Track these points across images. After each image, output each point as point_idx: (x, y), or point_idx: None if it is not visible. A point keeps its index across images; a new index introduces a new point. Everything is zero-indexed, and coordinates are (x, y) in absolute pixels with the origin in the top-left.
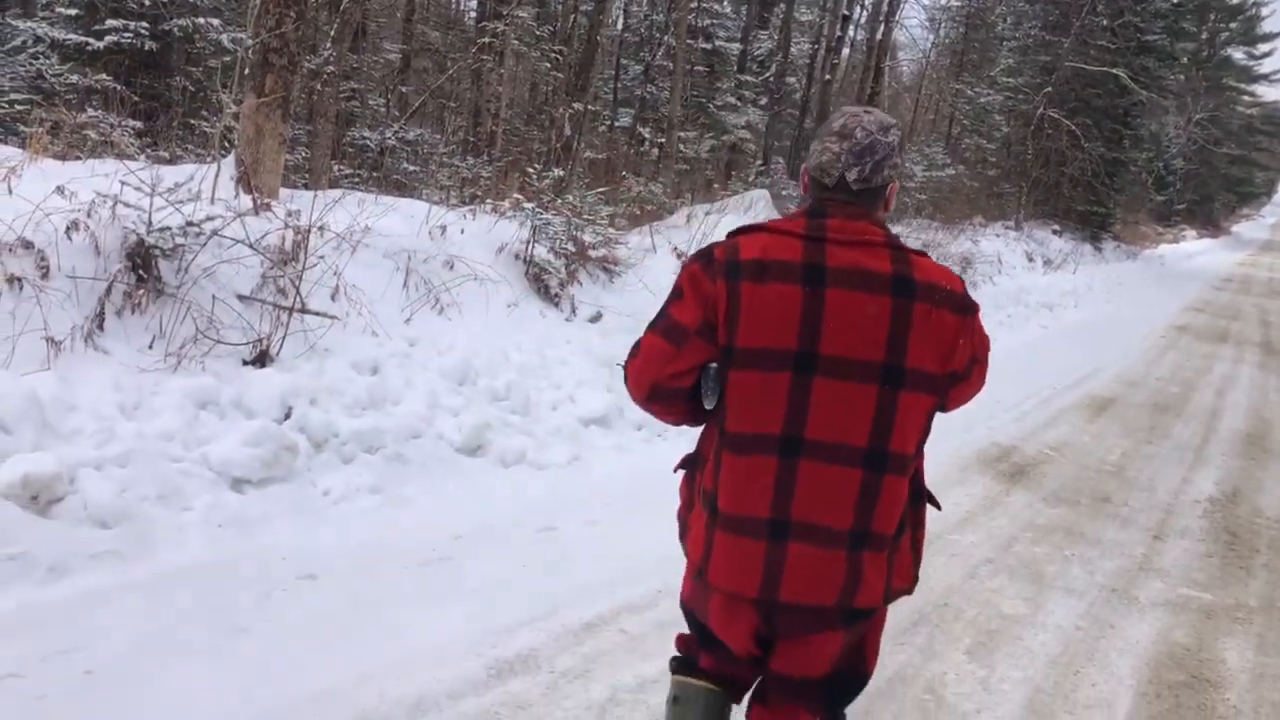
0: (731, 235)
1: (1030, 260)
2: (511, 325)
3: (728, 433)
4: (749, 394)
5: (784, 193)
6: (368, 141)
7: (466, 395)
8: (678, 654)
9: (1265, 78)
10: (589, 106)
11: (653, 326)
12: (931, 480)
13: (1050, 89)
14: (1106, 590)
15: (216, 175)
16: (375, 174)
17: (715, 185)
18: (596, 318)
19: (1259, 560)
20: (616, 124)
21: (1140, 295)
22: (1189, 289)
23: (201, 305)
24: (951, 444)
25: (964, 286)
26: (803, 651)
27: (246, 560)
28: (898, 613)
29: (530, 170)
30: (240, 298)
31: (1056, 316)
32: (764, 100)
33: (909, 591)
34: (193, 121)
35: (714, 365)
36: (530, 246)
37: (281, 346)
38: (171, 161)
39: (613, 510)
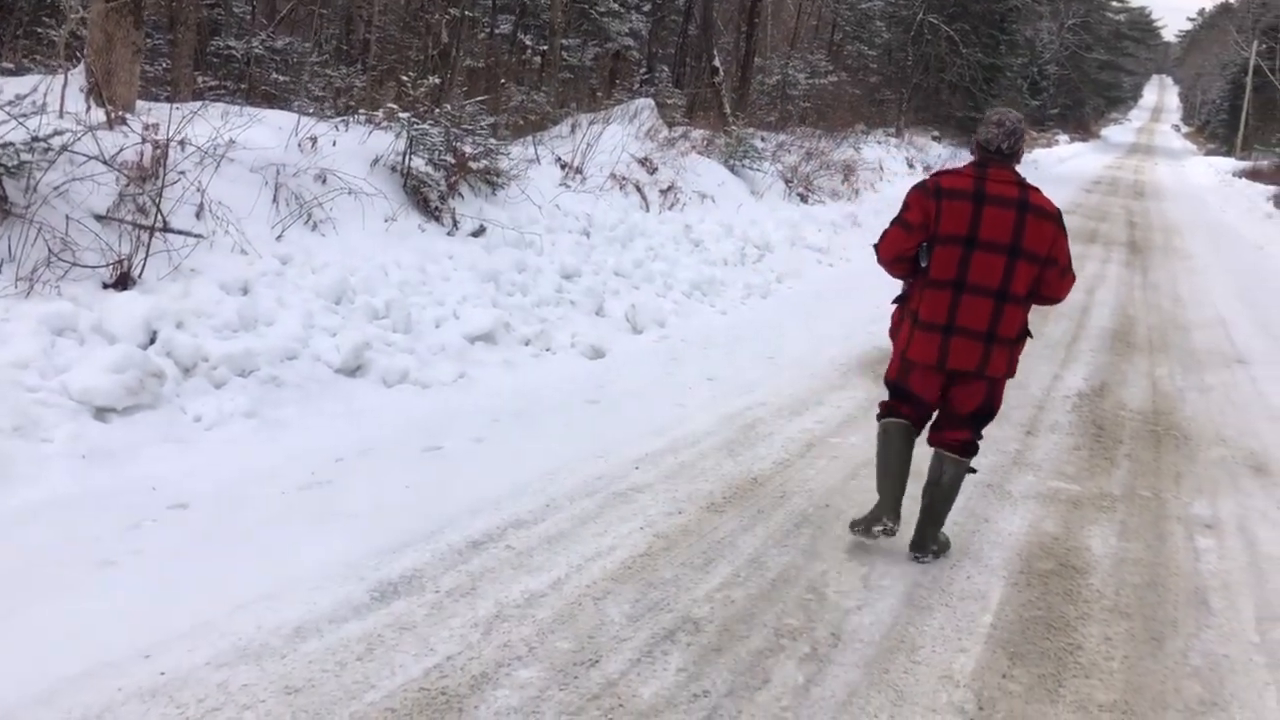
0: (934, 175)
1: (911, 167)
2: (390, 241)
3: (930, 278)
4: (942, 258)
5: (669, 101)
6: (233, 51)
7: (344, 314)
8: (882, 413)
9: None
10: (467, 13)
11: (895, 223)
12: (812, 387)
13: None
14: (982, 486)
15: (64, 87)
16: (242, 85)
17: (599, 94)
18: (480, 231)
19: (1122, 451)
20: (497, 31)
21: None
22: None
23: (54, 226)
24: (834, 349)
25: (1057, 209)
26: (965, 395)
27: (113, 492)
28: (780, 515)
29: (405, 79)
30: (97, 217)
31: None
32: (647, 6)
33: (1012, 375)
34: (38, 29)
35: (925, 243)
36: (407, 158)
37: (144, 268)
38: (15, 72)
39: (500, 427)
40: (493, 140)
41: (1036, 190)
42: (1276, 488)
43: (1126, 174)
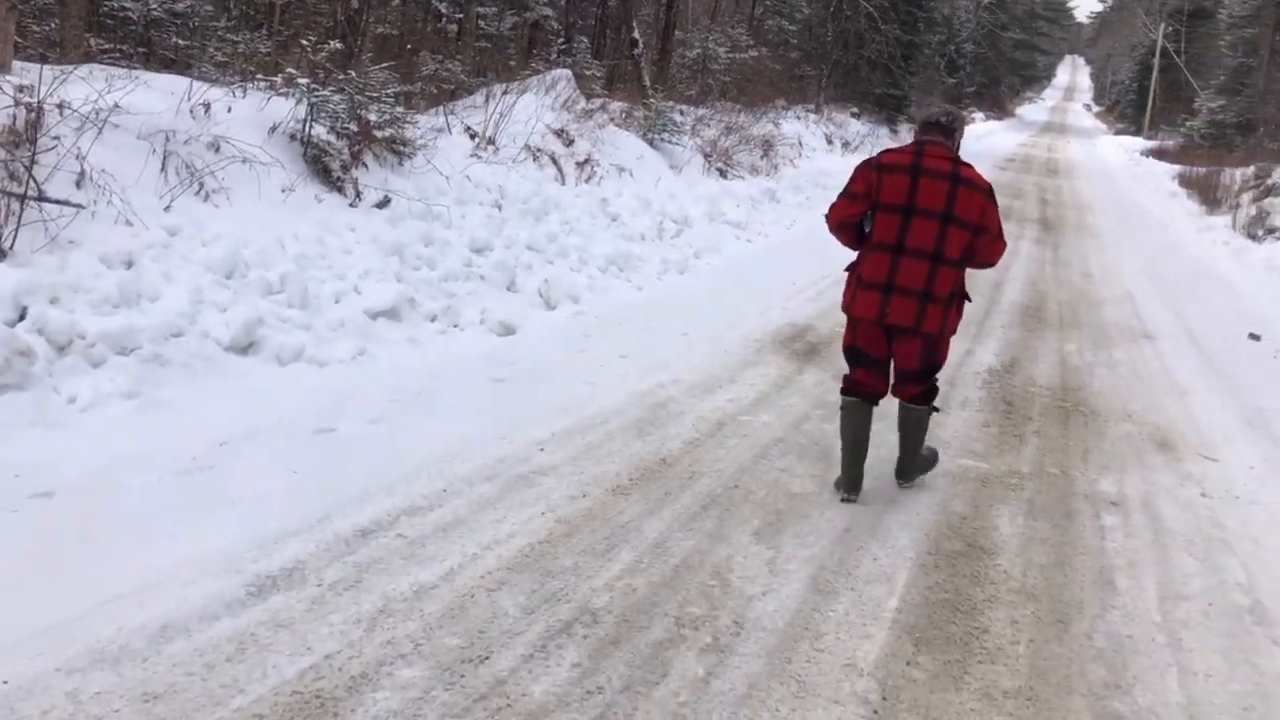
0: (878, 154)
1: (830, 143)
2: (288, 212)
3: (872, 242)
4: (883, 224)
5: (587, 73)
6: (129, 12)
7: (235, 289)
8: (843, 388)
9: None
10: None
11: (843, 195)
12: (726, 364)
13: None
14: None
15: None
16: (141, 49)
17: (515, 64)
18: (384, 203)
19: (1031, 428)
20: None
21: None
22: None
23: None
24: (749, 326)
25: (987, 183)
26: (904, 352)
27: None
28: (688, 498)
29: (305, 42)
30: None
31: None
32: None
33: (951, 332)
34: None
35: (869, 211)
36: (307, 126)
37: (15, 239)
38: None
39: (400, 407)
40: (399, 108)
41: (969, 166)
42: (1180, 463)
43: (1040, 152)
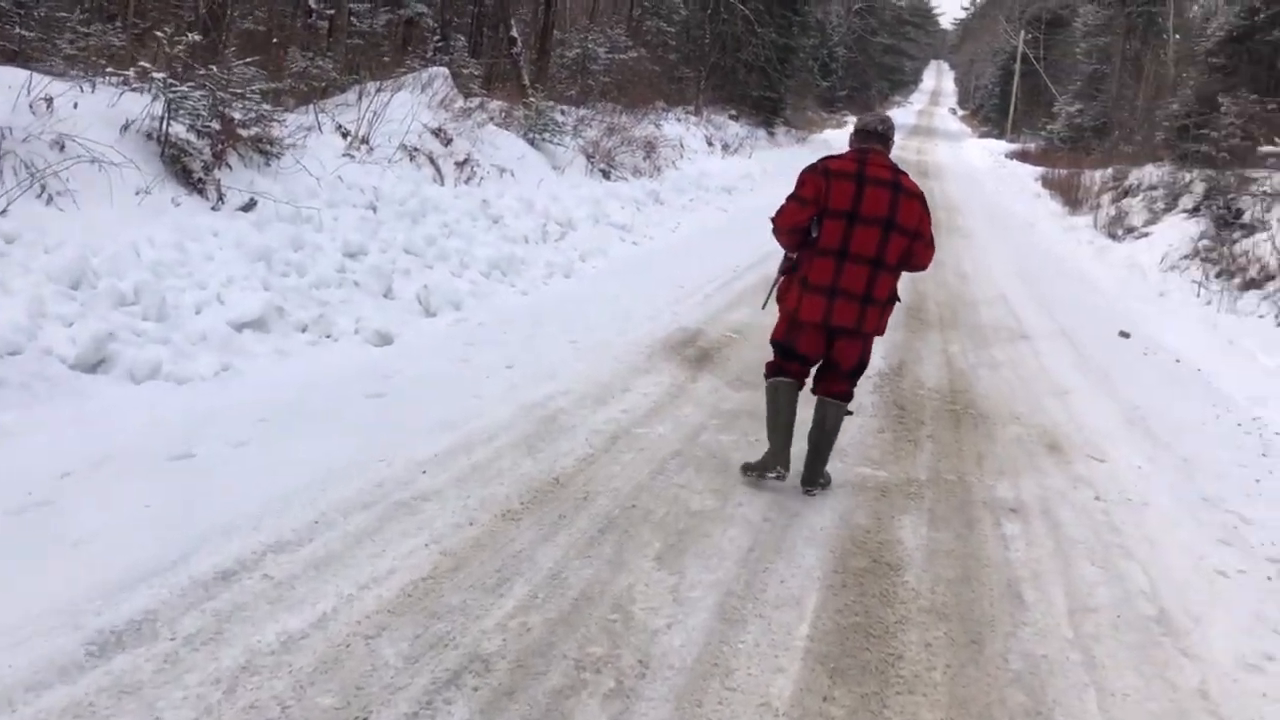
0: (822, 160)
1: (710, 145)
2: (143, 216)
3: (818, 247)
4: (829, 230)
5: (465, 71)
6: None
7: (83, 300)
8: (769, 372)
9: None
10: None
11: (791, 198)
12: (617, 371)
13: None
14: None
15: None
16: None
17: (389, 61)
18: (250, 205)
19: (925, 432)
20: None
21: None
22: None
23: None
24: (639, 331)
25: (920, 191)
26: (844, 350)
27: None
28: (584, 520)
29: (161, 34)
30: None
31: (735, 200)
32: None
33: (881, 333)
34: None
35: (816, 217)
36: (165, 124)
37: None
38: None
39: (267, 427)
40: (266, 106)
41: (905, 174)
42: (1071, 465)
43: (910, 154)
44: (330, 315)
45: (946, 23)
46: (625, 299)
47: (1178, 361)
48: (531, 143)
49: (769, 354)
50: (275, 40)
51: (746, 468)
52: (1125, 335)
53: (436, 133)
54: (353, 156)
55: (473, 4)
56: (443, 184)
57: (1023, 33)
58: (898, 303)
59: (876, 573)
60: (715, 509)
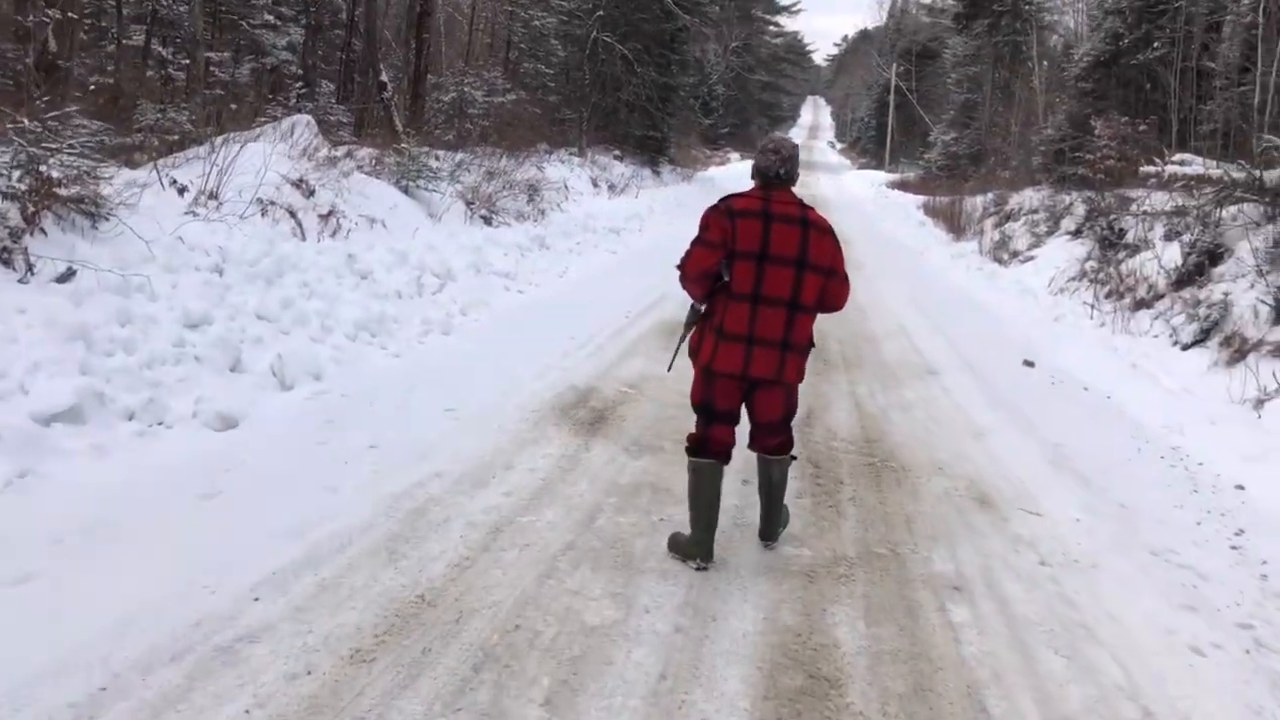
0: (724, 199)
1: (596, 186)
2: None
3: (732, 291)
4: (740, 273)
5: (332, 118)
6: None
7: None
8: (691, 448)
9: (787, 9)
10: (74, 15)
11: (697, 242)
12: (499, 445)
13: (602, 13)
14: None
15: None
16: None
17: (249, 110)
18: (66, 275)
19: (845, 494)
20: (127, 42)
21: (697, 215)
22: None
23: None
24: (524, 394)
25: (830, 225)
26: (766, 404)
27: None
28: (454, 655)
29: None
30: None
31: (624, 241)
32: (304, 20)
33: (801, 380)
34: None
35: (725, 259)
36: None
37: None
38: None
39: (64, 553)
40: (87, 161)
41: (812, 209)
42: (1006, 522)
43: (794, 187)
44: (163, 398)
45: (820, 59)
46: (510, 356)
47: (1086, 390)
48: (405, 190)
49: (667, 410)
50: (120, 97)
51: (673, 544)
52: (1030, 364)
53: (297, 184)
54: (197, 214)
55: (340, 50)
56: (304, 239)
57: (895, 65)
58: (814, 347)
59: (814, 692)
60: (617, 621)
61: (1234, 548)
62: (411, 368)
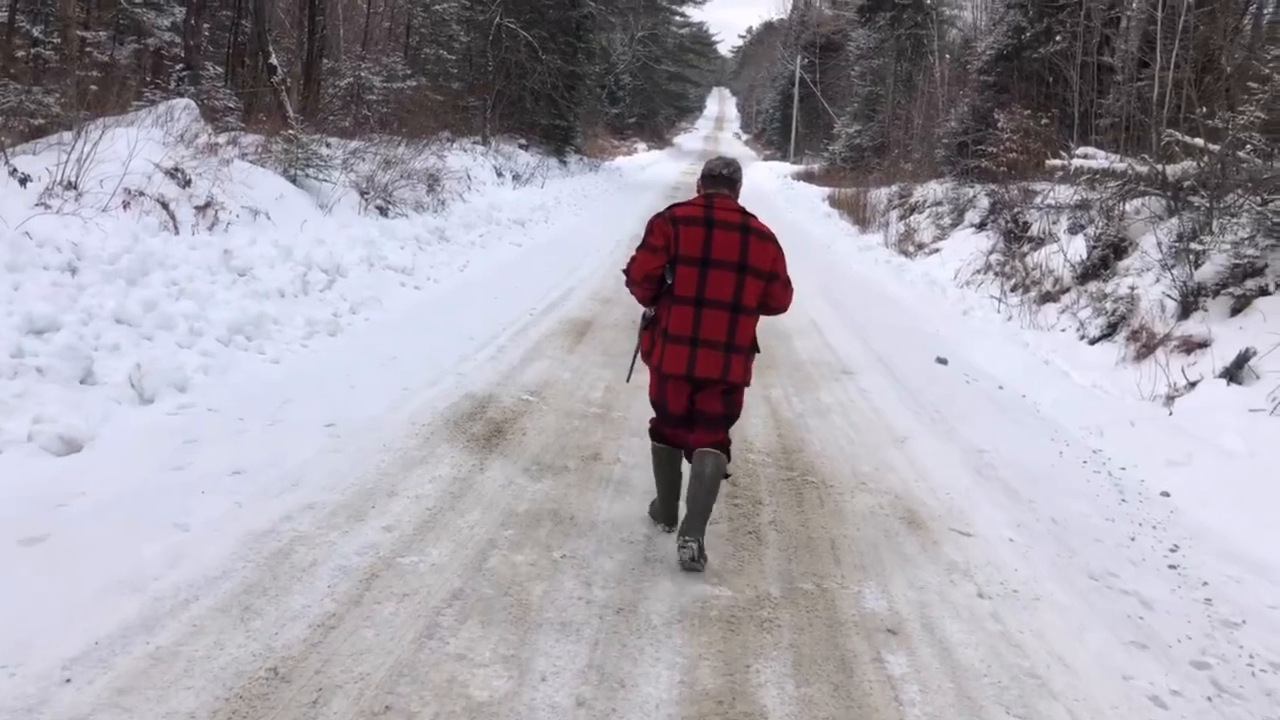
0: (669, 208)
1: (500, 175)
2: None
3: (675, 295)
4: (683, 277)
5: (218, 103)
6: None
7: None
8: (651, 434)
9: (692, 0)
10: None
11: (641, 248)
12: (383, 466)
13: None
14: (610, 611)
15: None
16: None
17: (125, 94)
18: None
19: (765, 516)
20: None
21: (605, 206)
22: (646, 198)
23: None
24: (416, 403)
25: (772, 232)
26: (708, 401)
27: None
28: None
29: None
30: None
31: (529, 233)
32: None
33: (748, 383)
34: None
35: (669, 264)
36: None
37: None
38: None
39: None
40: None
41: (754, 217)
42: (938, 546)
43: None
44: None
45: (726, 50)
46: (402, 360)
47: (1001, 388)
48: (293, 180)
49: (572, 421)
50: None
51: (651, 510)
52: (943, 361)
53: (172, 173)
54: (49, 206)
55: (229, 31)
56: (177, 233)
57: (799, 58)
58: (757, 353)
59: None
60: (508, 695)
61: (1172, 566)
62: (291, 376)
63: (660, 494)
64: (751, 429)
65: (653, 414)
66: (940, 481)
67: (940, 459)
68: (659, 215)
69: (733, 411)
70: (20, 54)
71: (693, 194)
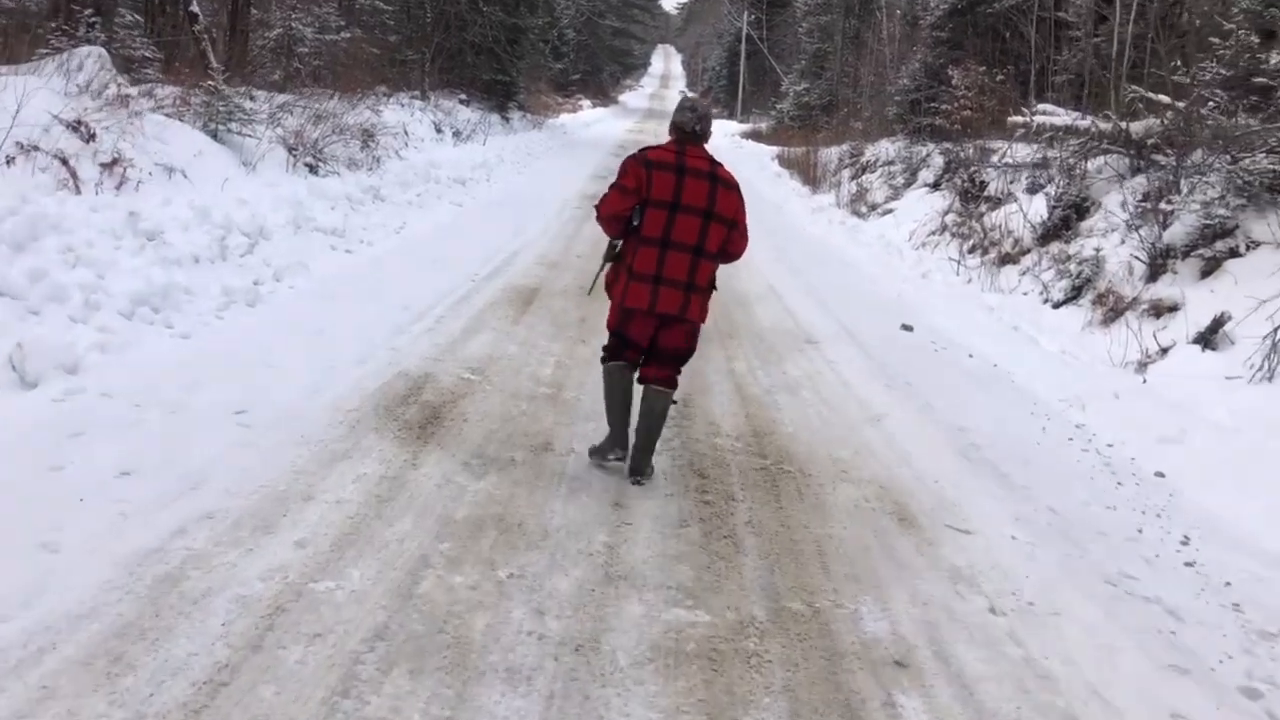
0: (642, 150)
1: (439, 132)
2: None
3: (642, 235)
4: (651, 219)
5: (134, 52)
6: None
7: None
8: (606, 357)
9: None
10: None
11: (613, 187)
12: (299, 464)
13: None
14: (568, 649)
15: None
16: None
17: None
18: None
19: (740, 515)
20: None
21: (550, 165)
22: (593, 157)
23: None
24: (342, 385)
25: (736, 181)
26: (669, 336)
27: None
28: None
29: None
30: None
31: (470, 192)
32: None
33: (704, 321)
34: None
35: (638, 206)
36: None
37: None
38: None
39: None
40: None
41: (721, 166)
42: (938, 549)
43: (649, 137)
44: None
45: (670, 6)
46: (329, 333)
47: (971, 356)
48: (214, 135)
49: (519, 403)
50: None
51: (591, 451)
52: (908, 329)
53: (75, 126)
54: None
55: None
56: (79, 193)
57: (746, 14)
58: (715, 290)
59: None
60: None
61: (1189, 564)
62: (201, 354)
63: (614, 418)
64: (718, 407)
65: (606, 341)
66: (925, 466)
67: (921, 439)
68: (632, 156)
69: (690, 347)
70: None
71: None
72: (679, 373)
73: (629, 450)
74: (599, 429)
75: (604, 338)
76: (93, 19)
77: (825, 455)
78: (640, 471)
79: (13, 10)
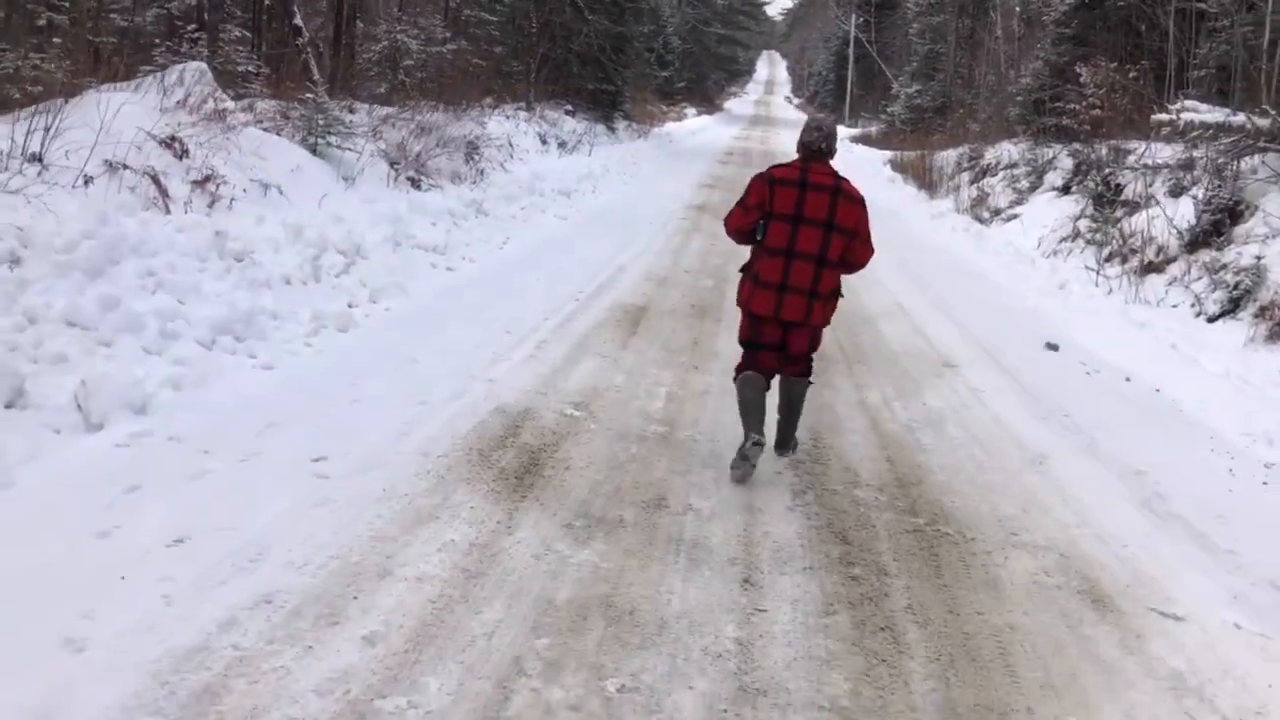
0: (771, 168)
1: (544, 143)
2: None
3: (767, 246)
4: (775, 231)
5: (237, 68)
6: None
7: None
8: (741, 366)
9: None
10: None
11: (739, 204)
12: (378, 526)
13: None
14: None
15: None
16: None
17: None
18: None
19: (897, 598)
20: None
21: (656, 174)
22: (698, 165)
23: None
24: (433, 424)
25: (861, 195)
26: (795, 340)
27: None
28: None
29: None
30: None
31: (575, 204)
32: None
33: (828, 324)
34: None
35: (763, 220)
36: None
37: None
38: None
39: None
40: None
41: (847, 180)
42: (1141, 642)
43: (755, 144)
44: None
45: (775, 12)
46: (424, 362)
47: (1128, 380)
48: (313, 149)
49: (628, 445)
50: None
51: (733, 466)
52: (1053, 348)
53: (169, 143)
54: None
55: None
56: (168, 212)
57: (854, 17)
58: (841, 298)
59: None
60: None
61: None
62: (284, 387)
63: (750, 414)
64: (853, 450)
65: (739, 358)
66: (1108, 525)
67: (1094, 488)
68: (759, 175)
69: (815, 345)
70: (41, 22)
71: (749, 159)
72: (811, 361)
73: (764, 438)
74: (719, 479)
75: (719, 361)
76: (196, 34)
77: (988, 512)
78: (786, 446)
79: (125, 30)
